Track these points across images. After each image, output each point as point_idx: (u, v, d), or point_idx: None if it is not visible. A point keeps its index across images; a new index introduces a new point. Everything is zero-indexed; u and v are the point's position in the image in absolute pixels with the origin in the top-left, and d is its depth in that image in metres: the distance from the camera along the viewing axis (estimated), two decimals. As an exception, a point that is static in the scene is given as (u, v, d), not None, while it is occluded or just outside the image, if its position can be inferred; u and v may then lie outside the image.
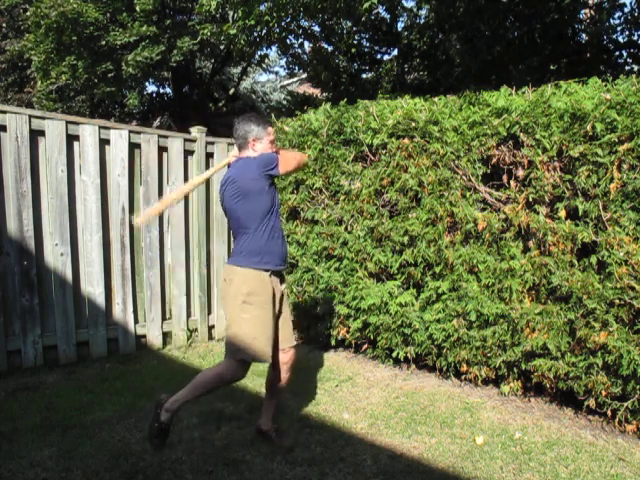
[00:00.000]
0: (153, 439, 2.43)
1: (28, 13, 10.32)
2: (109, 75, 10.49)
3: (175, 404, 2.44)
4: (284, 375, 2.64)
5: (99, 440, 2.65)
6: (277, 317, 2.55)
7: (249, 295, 2.41)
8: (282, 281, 2.61)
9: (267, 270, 2.45)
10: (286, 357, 2.61)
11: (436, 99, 3.54)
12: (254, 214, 2.42)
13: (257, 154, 2.47)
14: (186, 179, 4.36)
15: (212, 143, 4.53)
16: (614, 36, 7.92)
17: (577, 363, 2.83)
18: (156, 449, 2.46)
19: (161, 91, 14.69)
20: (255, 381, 3.47)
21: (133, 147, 4.05)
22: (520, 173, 3.07)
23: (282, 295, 2.60)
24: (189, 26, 10.51)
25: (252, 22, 6.73)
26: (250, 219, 2.42)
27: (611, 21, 7.74)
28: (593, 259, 2.77)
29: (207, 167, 4.51)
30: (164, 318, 4.31)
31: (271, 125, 2.56)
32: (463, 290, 3.22)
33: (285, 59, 11.91)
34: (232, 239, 2.68)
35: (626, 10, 7.61)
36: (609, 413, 2.81)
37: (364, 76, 11.12)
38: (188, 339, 4.39)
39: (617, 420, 2.77)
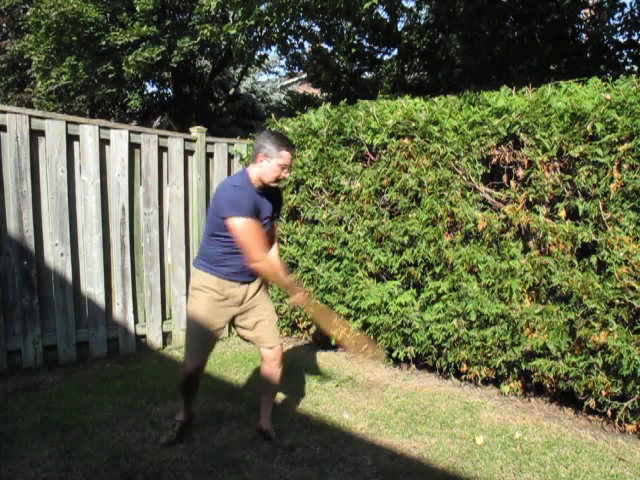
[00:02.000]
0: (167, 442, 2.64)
1: (28, 13, 10.32)
2: (109, 76, 10.50)
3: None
4: (275, 371, 2.66)
5: (99, 440, 2.65)
6: (249, 320, 2.62)
7: (193, 290, 2.57)
8: (246, 285, 2.58)
9: (218, 276, 2.54)
10: (273, 354, 2.64)
11: (436, 99, 3.54)
12: (210, 226, 2.52)
13: (262, 171, 2.44)
14: (186, 179, 4.36)
15: (212, 143, 4.53)
16: (614, 36, 7.92)
17: (577, 363, 2.83)
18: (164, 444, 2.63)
19: (161, 91, 14.69)
20: (257, 382, 3.47)
21: (133, 147, 4.05)
22: (520, 173, 3.07)
23: (252, 298, 2.60)
24: (189, 26, 10.52)
25: (252, 22, 6.74)
26: (208, 227, 2.54)
27: (611, 21, 7.74)
28: (593, 259, 2.77)
29: (207, 167, 4.52)
30: (164, 318, 4.31)
31: (289, 150, 2.45)
32: (463, 290, 3.22)
33: (285, 59, 11.92)
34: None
35: (626, 10, 7.61)
36: (609, 413, 2.81)
37: (364, 76, 11.12)
38: (188, 339, 4.39)
39: (617, 420, 2.77)
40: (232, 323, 2.67)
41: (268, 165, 2.43)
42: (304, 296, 2.56)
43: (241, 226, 2.34)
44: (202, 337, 2.55)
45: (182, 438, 2.65)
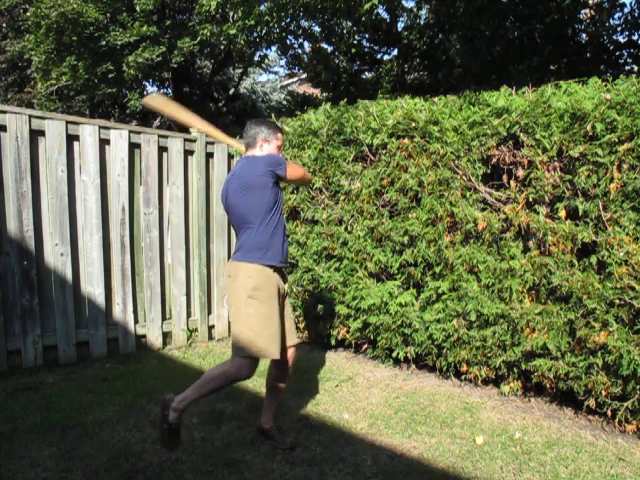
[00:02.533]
0: (165, 441, 2.43)
1: (28, 13, 10.32)
2: (109, 76, 10.50)
3: (182, 403, 2.42)
4: (288, 372, 2.66)
5: (99, 440, 2.65)
6: (282, 315, 2.56)
7: (254, 290, 2.41)
8: (284, 280, 2.62)
9: (271, 266, 2.47)
10: (290, 354, 2.64)
11: (436, 99, 3.54)
12: (257, 209, 2.43)
13: (264, 154, 2.54)
14: (186, 179, 4.37)
15: (212, 143, 4.53)
16: (614, 36, 7.92)
17: (577, 363, 2.83)
18: (170, 449, 2.47)
19: (161, 91, 14.68)
20: (255, 381, 3.47)
21: (133, 147, 4.05)
22: (520, 173, 3.07)
23: (285, 293, 2.62)
24: (189, 26, 10.52)
25: (252, 22, 6.75)
26: (253, 214, 2.44)
27: (611, 21, 7.74)
28: (593, 259, 2.77)
29: (207, 167, 4.52)
30: (164, 318, 4.31)
31: (281, 132, 2.65)
32: (463, 290, 3.22)
33: (285, 59, 11.91)
34: (234, 236, 2.71)
35: (626, 10, 7.61)
36: (609, 413, 2.81)
37: (364, 76, 11.12)
38: (188, 339, 4.40)
39: (617, 420, 2.77)
40: None
41: (269, 148, 2.58)
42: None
43: (294, 166, 2.57)
44: (275, 336, 2.44)
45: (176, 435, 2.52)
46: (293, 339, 2.65)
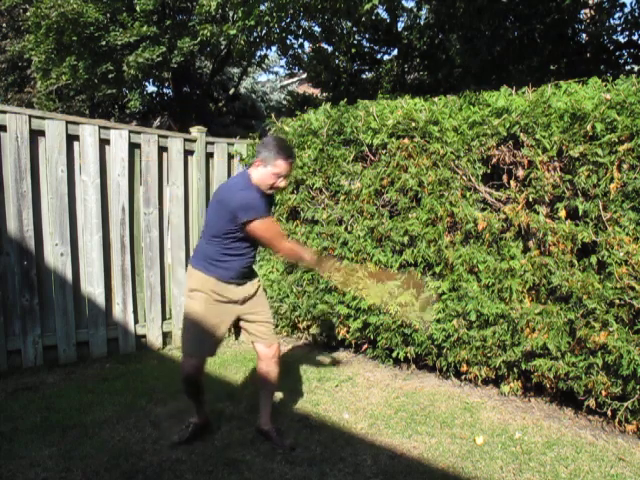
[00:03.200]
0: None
1: (28, 13, 10.32)
2: (109, 76, 10.50)
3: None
4: (273, 369, 2.67)
5: (99, 440, 2.65)
6: (248, 313, 2.62)
7: (191, 290, 2.55)
8: (244, 284, 2.60)
9: (215, 277, 2.53)
10: (272, 351, 2.67)
11: (436, 99, 3.54)
12: (213, 227, 2.49)
13: (258, 176, 2.44)
14: (186, 179, 4.36)
15: (212, 143, 4.53)
16: (614, 36, 7.92)
17: (577, 363, 2.83)
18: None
19: (161, 91, 14.69)
20: (256, 381, 3.47)
21: (133, 147, 4.05)
22: (520, 173, 3.07)
23: (249, 296, 2.62)
24: (189, 26, 10.52)
25: (252, 22, 6.75)
26: (212, 228, 2.50)
27: (611, 21, 7.74)
28: (593, 259, 2.77)
29: (207, 167, 4.52)
30: (164, 318, 4.31)
31: (285, 160, 2.41)
32: (463, 290, 3.22)
33: (285, 59, 11.92)
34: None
35: (626, 10, 7.61)
36: (609, 413, 2.81)
37: (364, 76, 11.12)
38: (188, 339, 4.39)
39: (617, 420, 2.77)
40: (235, 324, 2.68)
41: (264, 171, 2.43)
42: (332, 262, 2.65)
43: (263, 226, 2.40)
44: (201, 337, 2.54)
45: (195, 440, 2.64)
46: (269, 335, 2.67)
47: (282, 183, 2.48)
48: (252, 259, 2.61)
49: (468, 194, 3.27)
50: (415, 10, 10.12)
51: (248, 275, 2.62)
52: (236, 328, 2.78)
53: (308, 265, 2.87)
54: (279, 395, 3.21)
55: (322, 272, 2.64)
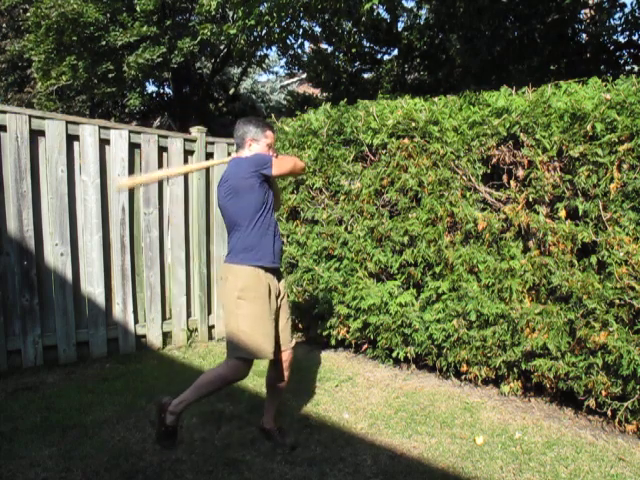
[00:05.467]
0: (162, 442, 2.49)
1: (28, 13, 10.33)
2: (109, 76, 10.50)
3: (179, 406, 2.48)
4: (284, 373, 2.65)
5: (99, 440, 2.65)
6: (276, 315, 2.56)
7: (242, 290, 2.42)
8: (279, 279, 2.61)
9: (261, 267, 2.47)
10: (284, 356, 2.63)
11: (436, 99, 3.54)
12: (245, 211, 2.44)
13: (252, 154, 2.51)
14: (186, 179, 4.36)
15: (212, 143, 4.53)
16: (614, 36, 7.92)
17: (577, 363, 2.83)
18: (168, 450, 2.50)
19: (161, 91, 14.70)
20: (255, 381, 3.47)
21: (133, 147, 4.05)
22: (520, 173, 3.07)
23: (280, 294, 2.60)
24: (189, 26, 10.52)
25: (252, 22, 6.75)
26: (241, 216, 2.45)
27: (611, 21, 7.74)
28: (593, 259, 2.77)
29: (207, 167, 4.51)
30: (164, 318, 4.31)
31: (271, 129, 2.58)
32: (463, 290, 3.22)
33: (285, 59, 11.92)
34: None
35: (626, 10, 7.61)
36: (609, 413, 2.81)
37: (364, 76, 11.12)
38: (188, 339, 4.39)
39: (617, 420, 2.77)
40: None
41: (258, 147, 2.53)
42: None
43: (276, 164, 2.45)
44: (267, 336, 2.44)
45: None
46: (289, 342, 2.65)
47: (273, 152, 2.58)
48: (281, 240, 2.64)
49: (468, 194, 3.28)
50: (415, 10, 10.12)
51: (281, 263, 2.64)
52: None
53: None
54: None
55: None
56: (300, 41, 9.11)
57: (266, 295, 2.46)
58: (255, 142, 2.52)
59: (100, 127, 3.87)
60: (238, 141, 2.57)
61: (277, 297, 2.56)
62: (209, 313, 4.58)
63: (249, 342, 2.40)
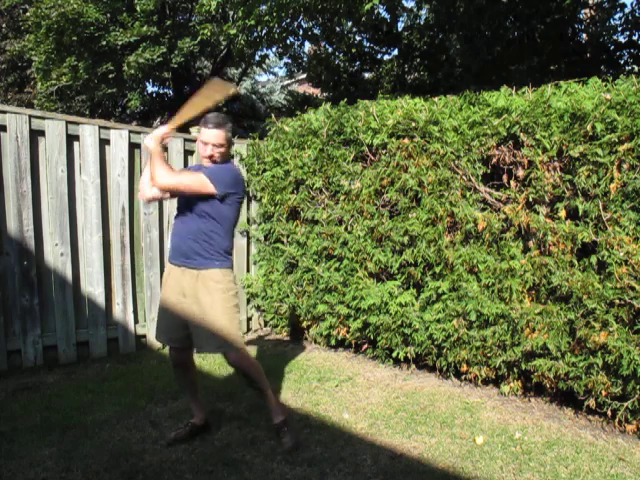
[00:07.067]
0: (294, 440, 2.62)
1: (28, 13, 10.32)
2: (110, 76, 10.50)
3: (275, 409, 2.68)
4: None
5: (99, 440, 2.65)
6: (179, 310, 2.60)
7: (228, 288, 2.58)
8: (195, 278, 2.54)
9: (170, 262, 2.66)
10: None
11: (436, 99, 3.54)
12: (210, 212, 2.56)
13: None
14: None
15: (212, 143, 4.52)
16: (614, 36, 7.93)
17: (577, 363, 2.83)
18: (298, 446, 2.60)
19: (161, 91, 14.70)
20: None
21: (133, 147, 4.05)
22: (520, 173, 3.07)
23: (199, 293, 2.52)
24: (189, 26, 10.52)
25: (252, 22, 6.75)
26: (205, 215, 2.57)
27: (611, 21, 7.75)
28: (593, 259, 2.77)
29: (207, 167, 4.51)
30: (164, 318, 4.30)
31: (205, 126, 2.59)
32: (463, 290, 3.22)
33: (285, 60, 11.91)
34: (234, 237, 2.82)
35: (626, 10, 7.62)
36: (609, 413, 2.80)
37: (364, 76, 11.13)
38: (188, 339, 4.39)
39: (617, 420, 2.77)
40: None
41: (198, 142, 2.65)
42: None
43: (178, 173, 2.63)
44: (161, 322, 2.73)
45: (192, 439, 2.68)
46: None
47: (212, 152, 2.57)
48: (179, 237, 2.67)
49: (468, 194, 3.27)
50: (415, 10, 10.12)
51: (181, 255, 2.68)
52: None
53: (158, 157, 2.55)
54: (279, 395, 3.21)
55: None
56: (300, 41, 9.12)
57: (166, 287, 2.68)
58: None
59: (100, 127, 3.87)
60: None
61: (192, 294, 2.54)
62: (209, 313, 4.57)
63: (235, 335, 2.58)
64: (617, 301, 2.66)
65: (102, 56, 10.24)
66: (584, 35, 8.52)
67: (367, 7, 6.05)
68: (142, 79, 11.08)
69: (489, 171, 3.23)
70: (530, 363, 3.02)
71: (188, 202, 2.54)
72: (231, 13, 10.24)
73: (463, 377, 3.46)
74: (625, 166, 2.64)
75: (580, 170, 2.77)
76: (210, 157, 2.57)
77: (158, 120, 14.61)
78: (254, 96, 16.61)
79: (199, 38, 9.81)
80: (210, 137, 2.56)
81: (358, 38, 10.32)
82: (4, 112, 3.46)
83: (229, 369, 3.76)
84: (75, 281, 3.81)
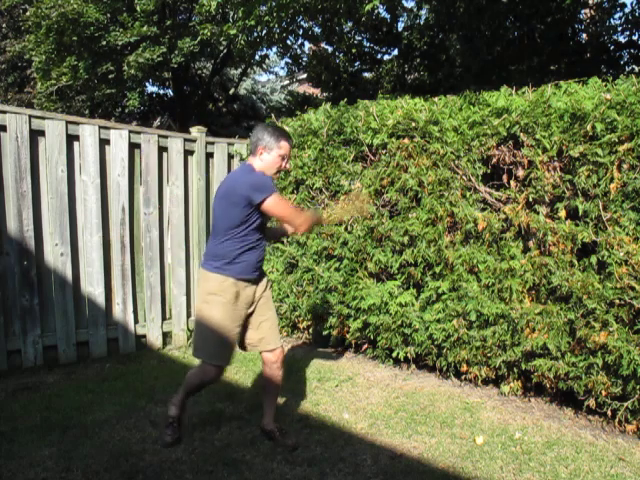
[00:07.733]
0: (164, 431, 2.64)
1: (28, 13, 10.33)
2: (109, 76, 10.51)
3: (176, 399, 2.65)
4: (277, 373, 2.66)
5: (99, 440, 2.65)
6: (248, 320, 2.59)
7: (208, 294, 2.48)
8: (257, 284, 2.58)
9: (228, 275, 2.47)
10: (274, 357, 2.64)
11: (436, 99, 3.54)
12: (226, 221, 2.44)
13: (262, 164, 2.47)
14: (186, 179, 4.36)
15: (212, 143, 4.53)
16: (614, 36, 7.93)
17: (577, 363, 2.83)
18: (164, 445, 2.59)
19: (161, 92, 14.71)
20: (256, 381, 3.47)
21: (133, 147, 4.05)
22: (520, 173, 3.07)
23: (261, 298, 2.60)
24: (189, 26, 10.53)
25: (252, 22, 6.75)
26: (223, 224, 2.46)
27: (611, 21, 7.75)
28: (593, 259, 2.77)
29: (207, 167, 4.52)
30: (164, 318, 4.31)
31: (287, 140, 2.50)
32: (463, 290, 3.22)
33: (285, 60, 11.92)
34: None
35: (626, 10, 7.61)
36: (609, 413, 2.81)
37: (364, 76, 11.13)
38: (188, 339, 4.39)
39: (617, 420, 2.77)
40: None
41: (268, 157, 2.47)
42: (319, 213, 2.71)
43: (278, 201, 2.39)
44: (223, 343, 2.49)
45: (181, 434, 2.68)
46: (277, 341, 2.65)
47: (287, 164, 2.55)
48: (264, 252, 2.60)
49: (468, 194, 3.28)
50: (415, 10, 10.12)
51: (262, 272, 2.63)
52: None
53: (319, 223, 2.77)
54: (279, 395, 3.20)
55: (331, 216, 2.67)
56: (300, 41, 9.12)
57: (231, 301, 2.47)
58: (266, 151, 2.46)
59: (100, 127, 3.87)
60: (252, 147, 2.52)
61: (251, 304, 2.57)
62: (209, 313, 4.57)
63: (208, 345, 2.51)
64: (617, 301, 2.66)
65: (102, 56, 10.25)
66: (584, 35, 8.52)
67: (367, 7, 6.05)
68: (142, 79, 11.08)
69: (489, 171, 3.23)
70: (530, 363, 3.02)
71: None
72: (231, 13, 10.23)
73: (463, 377, 3.46)
74: (625, 166, 2.64)
75: (580, 170, 2.77)
76: (281, 170, 2.56)
77: (158, 120, 14.61)
78: (254, 96, 16.62)
79: (199, 38, 9.82)
80: (289, 150, 2.55)
81: (358, 38, 10.32)
82: (4, 112, 3.46)
83: (228, 369, 3.76)
84: (75, 281, 3.81)
